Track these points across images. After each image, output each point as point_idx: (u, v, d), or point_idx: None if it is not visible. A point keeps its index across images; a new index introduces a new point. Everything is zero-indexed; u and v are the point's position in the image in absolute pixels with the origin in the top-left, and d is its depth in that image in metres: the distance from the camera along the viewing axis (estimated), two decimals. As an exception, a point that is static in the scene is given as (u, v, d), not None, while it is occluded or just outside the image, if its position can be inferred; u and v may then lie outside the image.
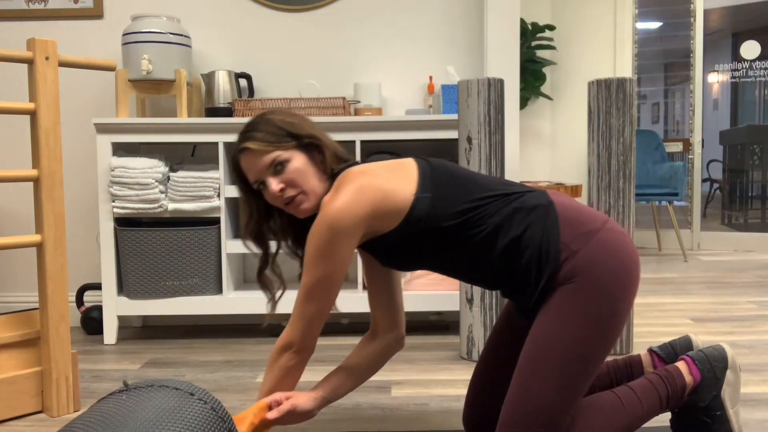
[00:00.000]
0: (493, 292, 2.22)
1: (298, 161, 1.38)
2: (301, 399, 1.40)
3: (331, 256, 1.30)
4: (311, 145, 1.40)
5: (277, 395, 1.38)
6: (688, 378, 1.42)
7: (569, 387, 1.25)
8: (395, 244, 1.36)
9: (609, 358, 1.54)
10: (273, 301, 1.49)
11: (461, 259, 1.36)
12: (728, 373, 1.43)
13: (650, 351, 1.58)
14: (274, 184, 1.38)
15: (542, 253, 1.29)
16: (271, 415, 1.35)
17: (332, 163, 1.41)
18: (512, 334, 1.48)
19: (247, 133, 1.39)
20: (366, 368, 1.53)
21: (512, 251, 1.31)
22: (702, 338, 2.41)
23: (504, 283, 1.36)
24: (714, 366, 1.43)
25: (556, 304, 1.27)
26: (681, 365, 1.44)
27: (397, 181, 1.34)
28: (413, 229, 1.33)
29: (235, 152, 1.42)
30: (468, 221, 1.32)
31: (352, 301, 2.54)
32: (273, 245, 1.50)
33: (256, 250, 1.49)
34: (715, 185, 5.23)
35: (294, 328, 1.35)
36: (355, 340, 2.53)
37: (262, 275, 1.48)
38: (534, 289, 1.31)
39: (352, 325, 2.77)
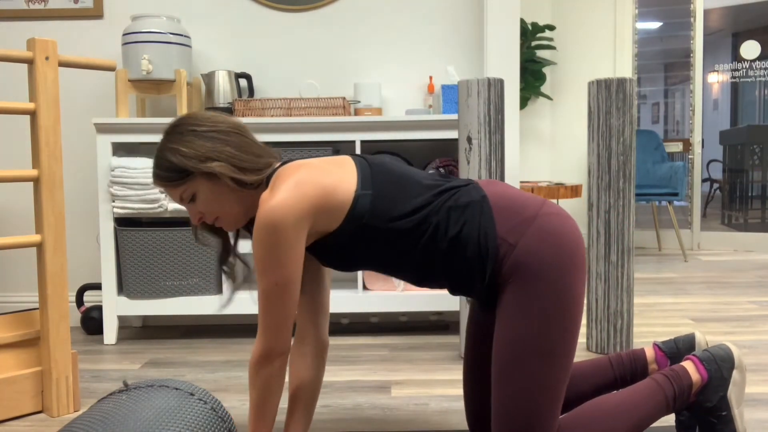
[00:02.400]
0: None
1: (204, 192, 1.33)
2: None
3: (279, 258, 1.24)
4: (209, 173, 1.31)
5: None
6: (695, 378, 1.40)
7: (548, 385, 1.24)
8: (338, 245, 1.33)
9: (612, 353, 1.53)
10: (235, 285, 1.50)
11: (407, 261, 1.33)
12: (735, 373, 1.42)
13: (655, 345, 1.56)
14: (192, 215, 1.38)
15: (481, 249, 1.28)
16: None
17: (247, 178, 1.32)
18: (479, 331, 1.49)
19: (153, 168, 1.36)
20: (311, 389, 1.51)
21: (453, 251, 1.30)
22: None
23: (450, 282, 1.35)
24: (721, 366, 1.41)
25: (509, 304, 1.27)
26: (687, 365, 1.42)
27: (337, 176, 1.30)
28: (356, 227, 1.30)
29: None
30: (411, 222, 1.30)
31: (352, 301, 2.54)
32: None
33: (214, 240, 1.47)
34: (715, 185, 5.23)
35: (265, 337, 1.30)
36: (355, 340, 2.53)
37: (225, 263, 1.46)
38: (480, 286, 1.31)
39: (352, 325, 2.77)
